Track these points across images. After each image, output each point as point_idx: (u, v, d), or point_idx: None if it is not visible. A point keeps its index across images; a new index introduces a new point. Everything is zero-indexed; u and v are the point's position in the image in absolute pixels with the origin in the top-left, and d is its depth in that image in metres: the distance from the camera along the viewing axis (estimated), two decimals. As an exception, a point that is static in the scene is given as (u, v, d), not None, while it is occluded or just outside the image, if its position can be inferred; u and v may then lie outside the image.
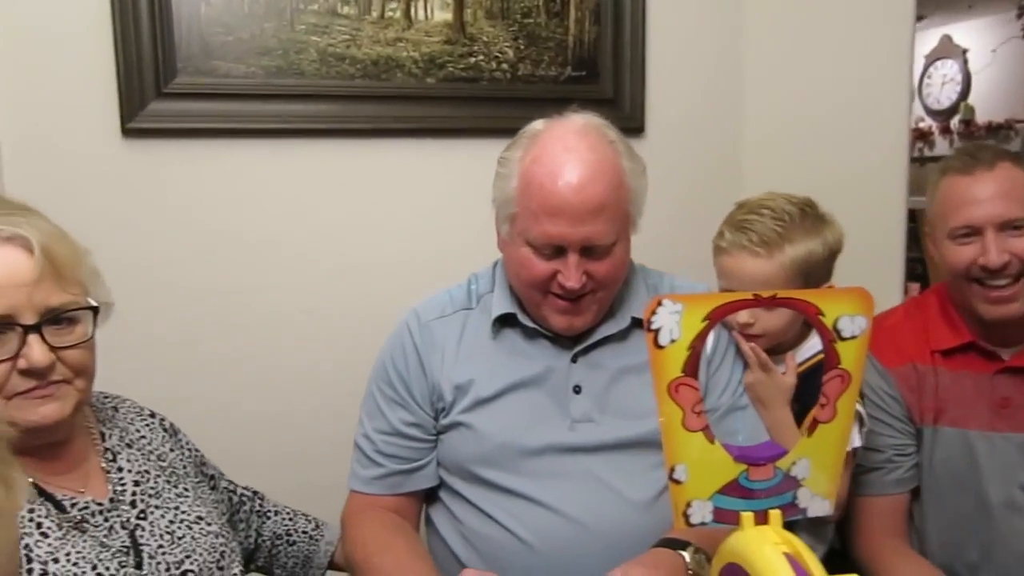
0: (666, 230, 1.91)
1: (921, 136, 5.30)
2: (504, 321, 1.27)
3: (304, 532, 1.36)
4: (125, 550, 1.00)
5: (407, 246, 1.87)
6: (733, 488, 0.95)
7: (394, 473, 1.27)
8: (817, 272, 1.34)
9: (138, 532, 1.03)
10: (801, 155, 2.15)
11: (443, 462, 1.27)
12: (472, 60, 1.90)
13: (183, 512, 1.09)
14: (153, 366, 1.64)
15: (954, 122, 5.32)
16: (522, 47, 1.94)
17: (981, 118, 5.15)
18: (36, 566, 0.90)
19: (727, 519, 0.95)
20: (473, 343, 1.27)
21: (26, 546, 0.91)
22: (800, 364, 1.38)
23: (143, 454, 1.12)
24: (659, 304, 0.87)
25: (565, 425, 1.22)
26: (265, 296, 1.77)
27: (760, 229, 1.32)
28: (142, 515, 1.05)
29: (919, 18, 2.31)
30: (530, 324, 1.26)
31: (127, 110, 1.64)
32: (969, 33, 5.18)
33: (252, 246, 1.75)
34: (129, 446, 1.12)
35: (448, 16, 1.86)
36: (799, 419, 1.36)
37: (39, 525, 0.94)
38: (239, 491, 1.32)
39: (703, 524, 0.96)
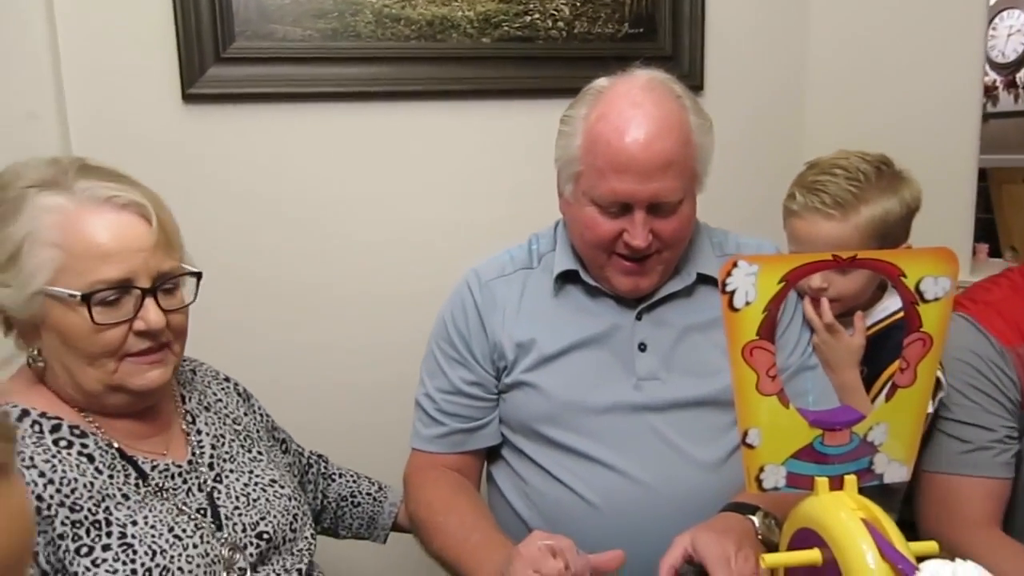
0: (726, 188, 1.86)
1: (985, 91, 5.09)
2: (566, 279, 1.26)
3: (368, 494, 1.39)
4: (203, 512, 1.02)
5: (465, 209, 1.87)
6: (807, 453, 0.93)
7: (456, 432, 1.27)
8: (895, 232, 1.29)
9: (215, 494, 1.05)
10: (866, 112, 2.07)
11: (507, 421, 1.27)
12: (528, 19, 1.86)
13: (257, 475, 1.11)
14: (212, 333, 1.66)
15: (1020, 75, 5.08)
16: (578, 4, 1.89)
17: (1050, 71, 4.92)
18: (115, 528, 0.93)
19: (801, 484, 0.94)
20: (535, 302, 1.26)
21: (106, 509, 0.94)
22: (871, 327, 1.34)
23: (219, 417, 1.14)
24: (735, 265, 0.85)
25: (631, 383, 1.20)
26: (325, 261, 1.78)
27: (833, 190, 1.28)
28: (218, 478, 1.07)
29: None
30: (592, 282, 1.25)
31: (187, 76, 1.65)
32: (1039, -19, 4.93)
33: (310, 210, 1.76)
34: (207, 409, 1.14)
35: (503, -26, 1.82)
36: (868, 383, 1.33)
37: (120, 489, 0.97)
38: (307, 454, 1.35)
39: (776, 489, 0.94)
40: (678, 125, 1.14)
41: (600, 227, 1.16)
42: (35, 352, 0.99)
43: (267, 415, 1.26)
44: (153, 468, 1.01)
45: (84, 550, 0.90)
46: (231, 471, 1.09)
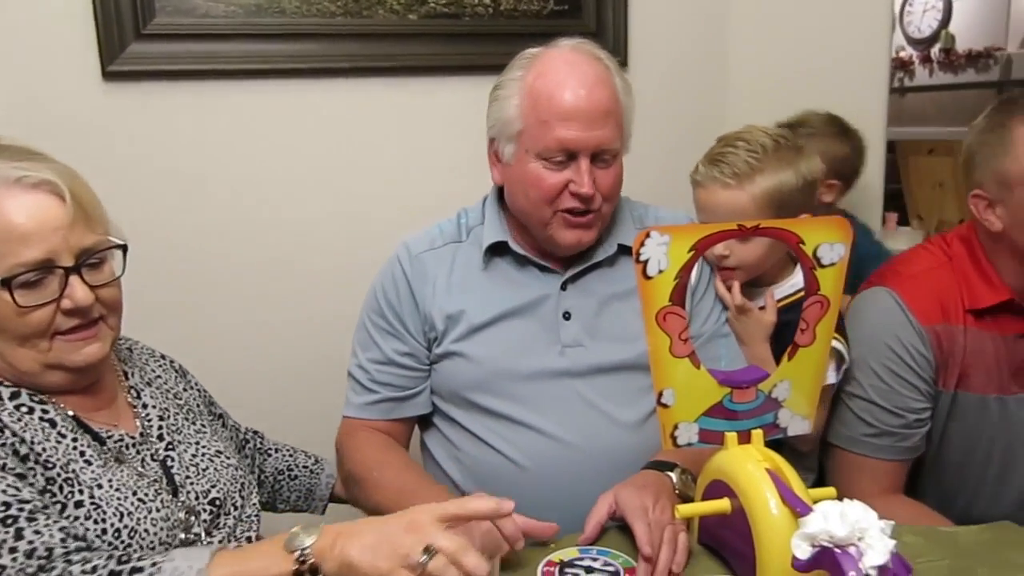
0: (649, 164, 1.92)
1: (902, 65, 5.29)
2: (494, 251, 1.30)
3: (305, 467, 1.41)
4: (159, 480, 1.04)
5: (391, 184, 1.88)
6: (718, 410, 1.00)
7: (388, 400, 1.31)
8: (792, 203, 1.34)
9: (168, 462, 1.08)
10: (784, 88, 2.16)
11: (438, 390, 1.32)
12: (454, -5, 1.88)
13: (204, 446, 1.13)
14: (139, 312, 1.65)
15: (935, 51, 5.30)
16: (503, -19, 1.92)
17: (961, 47, 5.14)
18: (85, 489, 0.95)
19: (712, 439, 1.01)
20: (464, 274, 1.30)
21: (72, 471, 0.95)
22: (779, 300, 1.41)
23: (161, 392, 1.16)
24: (647, 236, 0.91)
25: (556, 350, 1.25)
26: (251, 239, 1.78)
27: (732, 161, 1.33)
28: (170, 447, 1.09)
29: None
30: (521, 252, 1.29)
31: (107, 53, 1.62)
32: (951, -42, 5.14)
33: (235, 188, 1.75)
34: (149, 384, 1.16)
35: (428, -50, 1.84)
36: (778, 355, 1.40)
37: (82, 453, 0.98)
38: (243, 430, 1.37)
39: (689, 445, 1.01)
40: (609, 82, 1.22)
41: (545, 181, 1.21)
42: None
43: (204, 391, 1.28)
44: (108, 437, 1.03)
45: (58, 507, 0.92)
46: (180, 442, 1.11)
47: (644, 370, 1.20)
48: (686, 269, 0.93)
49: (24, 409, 0.97)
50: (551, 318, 1.27)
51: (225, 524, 1.08)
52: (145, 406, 1.11)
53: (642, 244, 0.91)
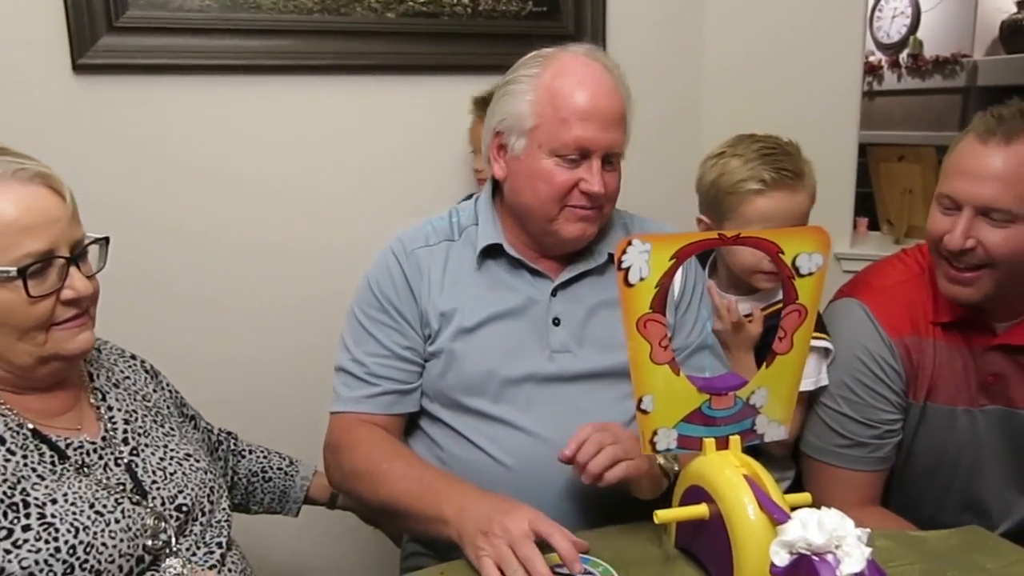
0: (625, 165, 1.94)
1: (871, 70, 5.37)
2: (487, 253, 1.31)
3: (279, 468, 1.40)
4: (122, 487, 1.03)
5: (366, 182, 1.88)
6: (696, 416, 1.01)
7: (388, 393, 1.27)
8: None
9: (133, 466, 1.06)
10: (758, 93, 2.19)
11: (425, 390, 1.31)
12: (433, -6, 1.88)
13: (172, 450, 1.12)
14: (110, 311, 1.63)
15: (903, 56, 5.40)
16: (482, -19, 1.92)
17: (929, 52, 5.24)
18: (34, 509, 0.93)
19: (690, 445, 1.02)
20: (457, 273, 1.29)
21: (23, 490, 0.93)
22: (764, 308, 1.44)
23: (129, 394, 1.14)
24: (629, 244, 0.92)
25: (544, 355, 1.26)
26: (224, 236, 1.77)
27: (791, 165, 1.38)
28: (134, 452, 1.08)
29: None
30: (515, 255, 1.30)
31: (78, 45, 1.60)
32: (920, -35, 5.24)
33: (207, 184, 1.74)
34: (116, 386, 1.14)
35: (407, -52, 1.83)
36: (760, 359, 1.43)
37: (35, 470, 0.96)
38: (216, 431, 1.35)
39: (668, 450, 1.02)
40: (620, 90, 1.26)
41: (557, 177, 1.23)
42: None
43: (176, 392, 1.26)
44: (67, 446, 1.01)
45: (3, 533, 0.90)
46: (146, 445, 1.09)
47: (628, 377, 1.22)
48: (667, 276, 0.94)
49: None
50: (541, 323, 1.28)
51: (192, 531, 1.07)
52: (110, 408, 1.10)
53: (624, 251, 0.92)
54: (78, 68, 1.60)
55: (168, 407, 1.20)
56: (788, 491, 1.48)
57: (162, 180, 1.70)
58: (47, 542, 0.91)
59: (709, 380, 1.02)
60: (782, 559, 0.84)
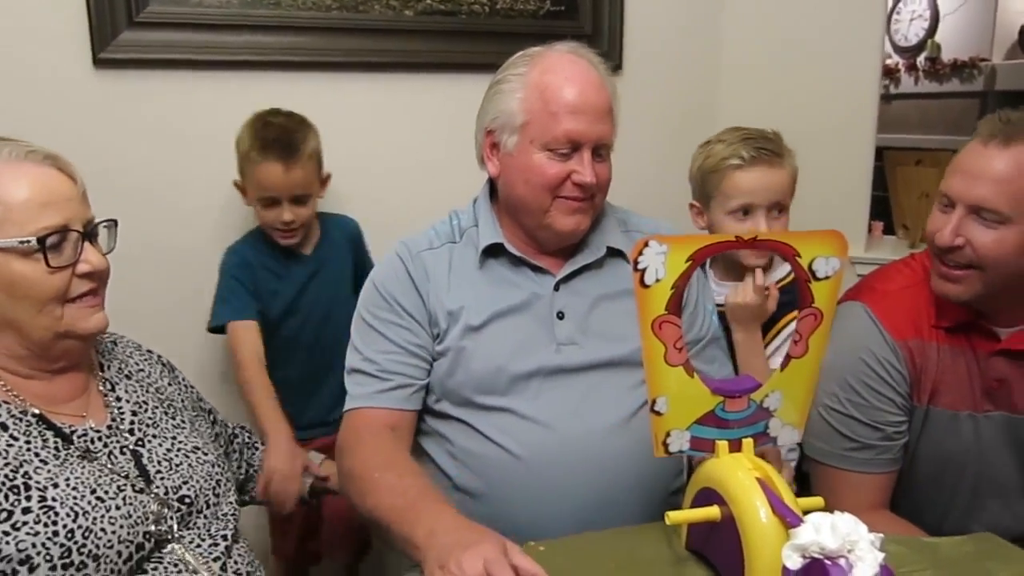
0: (643, 166, 1.94)
1: (887, 73, 5.33)
2: (488, 253, 1.33)
3: None
4: (125, 474, 1.04)
5: (382, 180, 1.88)
6: (709, 419, 1.01)
7: (401, 387, 1.28)
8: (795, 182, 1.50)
9: (139, 454, 1.07)
10: (775, 95, 2.17)
11: (435, 388, 1.31)
12: (451, -8, 1.88)
13: (180, 442, 1.13)
14: (122, 301, 1.64)
15: (920, 59, 5.36)
16: (500, -20, 1.92)
17: (947, 56, 5.20)
18: (35, 492, 0.94)
19: (703, 447, 1.02)
20: (461, 273, 1.31)
21: (24, 473, 0.94)
22: (777, 283, 1.48)
23: (142, 386, 1.16)
24: (646, 245, 0.91)
25: (551, 348, 1.28)
26: (237, 230, 1.77)
27: (770, 146, 1.46)
28: (140, 443, 1.09)
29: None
30: (516, 253, 1.32)
31: (98, 40, 1.61)
32: (939, -31, 5.19)
33: (224, 179, 1.73)
34: (128, 377, 1.15)
35: (426, -54, 1.83)
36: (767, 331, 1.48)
37: (37, 454, 0.97)
38: (230, 426, 1.36)
39: (681, 452, 1.02)
40: (607, 84, 1.29)
41: (549, 170, 1.25)
42: None
43: (192, 387, 1.27)
44: (72, 433, 1.03)
45: (3, 515, 0.91)
46: (153, 436, 1.10)
47: (632, 367, 1.24)
48: (683, 278, 0.93)
49: None
50: (546, 317, 1.29)
51: (196, 523, 1.07)
52: (119, 399, 1.11)
53: (640, 252, 0.91)
54: (99, 62, 1.61)
55: (182, 401, 1.21)
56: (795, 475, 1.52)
57: (181, 174, 1.71)
58: (46, 525, 0.93)
59: (723, 383, 1.02)
60: (794, 563, 0.83)
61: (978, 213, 1.22)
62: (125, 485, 1.01)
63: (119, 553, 0.96)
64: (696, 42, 2.18)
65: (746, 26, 2.21)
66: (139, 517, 1.00)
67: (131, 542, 0.98)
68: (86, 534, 0.94)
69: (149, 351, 1.23)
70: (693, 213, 1.57)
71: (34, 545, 0.91)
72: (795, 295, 1.39)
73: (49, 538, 0.92)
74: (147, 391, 1.15)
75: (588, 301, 1.31)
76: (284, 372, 1.67)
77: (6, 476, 0.93)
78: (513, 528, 1.20)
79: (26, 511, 0.92)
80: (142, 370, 1.18)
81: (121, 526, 0.97)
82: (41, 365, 1.04)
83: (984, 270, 1.23)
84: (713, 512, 0.96)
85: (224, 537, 1.09)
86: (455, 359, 1.27)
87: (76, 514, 0.94)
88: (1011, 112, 1.24)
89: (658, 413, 0.99)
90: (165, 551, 1.02)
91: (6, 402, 0.99)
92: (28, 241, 0.97)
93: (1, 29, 1.54)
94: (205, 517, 1.09)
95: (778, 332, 1.47)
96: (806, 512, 0.88)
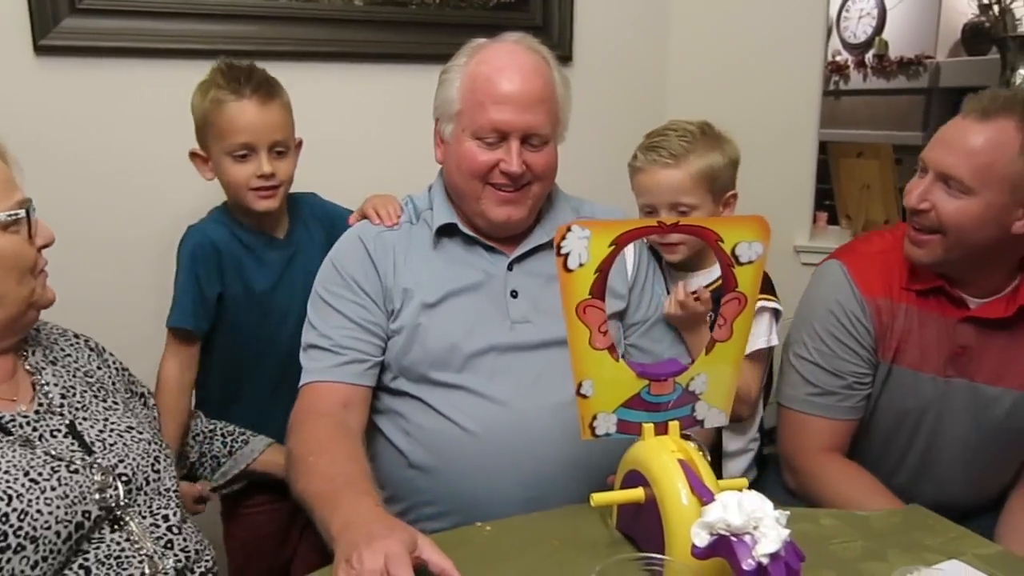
0: (591, 155, 1.91)
1: (837, 69, 5.35)
2: (443, 233, 1.32)
3: (228, 434, 1.42)
4: (59, 456, 1.00)
5: (331, 170, 1.83)
6: (636, 402, 0.99)
7: (355, 361, 1.26)
8: (721, 179, 1.46)
9: (79, 431, 1.04)
10: (722, 87, 2.16)
11: (391, 366, 1.30)
12: (400, -17, 1.83)
13: (113, 423, 1.09)
14: (66, 291, 1.58)
15: (869, 56, 5.39)
16: (451, -30, 1.88)
17: (894, 53, 5.23)
18: None
19: (630, 430, 1.00)
20: (417, 253, 1.31)
21: None
22: (707, 286, 1.44)
23: (68, 371, 1.12)
24: (568, 229, 0.89)
25: (505, 326, 1.27)
26: (182, 219, 1.70)
27: (667, 145, 1.44)
28: (71, 425, 1.05)
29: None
30: (469, 232, 1.32)
31: (39, 27, 1.54)
32: (887, -33, 5.22)
33: (169, 169, 1.66)
34: (54, 363, 1.12)
35: (375, -64, 1.79)
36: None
37: None
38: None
39: (608, 435, 1.00)
40: (545, 73, 1.28)
41: (478, 157, 1.25)
42: None
43: (124, 368, 1.23)
44: (10, 422, 0.99)
45: None
46: (84, 419, 1.07)
47: None
48: (607, 262, 0.91)
49: None
50: (500, 296, 1.29)
51: (137, 500, 1.04)
52: (46, 383, 1.07)
53: (563, 237, 0.89)
54: (39, 50, 1.55)
55: (113, 383, 1.18)
56: (756, 458, 1.54)
57: (123, 163, 1.65)
58: None
59: (648, 366, 1.00)
60: (702, 539, 0.82)
61: (946, 181, 1.24)
62: (59, 467, 0.98)
63: (57, 534, 0.93)
64: (645, 34, 2.16)
65: (695, 19, 2.19)
66: (76, 497, 0.96)
67: (69, 522, 0.94)
68: (21, 516, 0.91)
69: (76, 336, 1.19)
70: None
71: None
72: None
73: None
74: (74, 376, 1.12)
75: (541, 281, 1.30)
76: (261, 371, 1.48)
77: None
78: (464, 504, 1.21)
79: None
80: (68, 355, 1.15)
81: (58, 507, 0.94)
82: (5, 338, 1.05)
83: (946, 236, 1.26)
84: (637, 494, 0.95)
85: (166, 517, 1.06)
86: (410, 336, 1.26)
87: (9, 497, 0.91)
88: (1002, 90, 1.29)
89: (584, 396, 0.97)
90: (104, 531, 0.99)
91: None
92: (16, 214, 1.01)
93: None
94: (146, 494, 1.06)
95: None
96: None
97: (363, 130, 1.86)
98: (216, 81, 1.40)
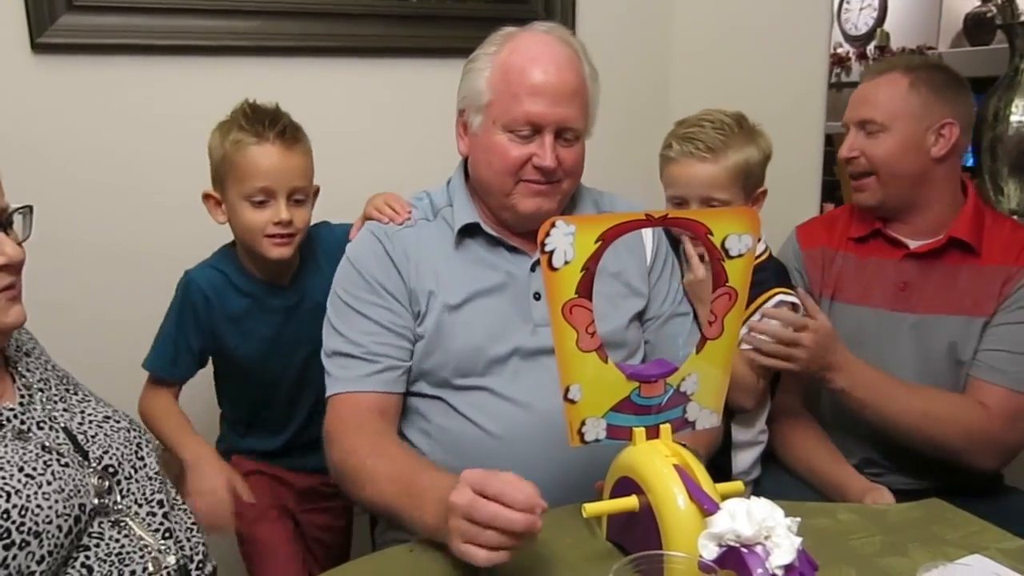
0: (593, 148, 1.82)
1: (839, 61, 5.18)
2: (465, 232, 1.23)
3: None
4: (48, 449, 0.93)
5: (333, 166, 1.75)
6: (626, 405, 0.90)
7: (389, 369, 1.18)
8: (755, 174, 1.40)
9: (68, 428, 0.98)
10: (726, 81, 2.06)
11: (411, 369, 1.21)
12: (400, -25, 1.75)
13: (89, 414, 1.03)
14: (59, 287, 1.52)
15: (870, 48, 5.24)
16: (452, -38, 1.79)
17: (896, 45, 5.08)
18: None
19: (620, 435, 0.92)
20: (437, 253, 1.22)
21: None
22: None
23: (39, 364, 1.05)
24: (552, 226, 0.81)
25: (528, 329, 1.20)
26: (180, 218, 1.63)
27: (704, 138, 1.37)
28: (52, 418, 0.99)
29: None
30: (493, 233, 1.23)
31: (36, 24, 1.47)
32: (890, -40, 5.06)
33: (168, 167, 1.60)
34: (27, 355, 1.05)
35: (375, -71, 1.70)
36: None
37: None
38: None
39: (597, 441, 0.92)
40: (578, 66, 1.19)
41: (510, 152, 1.16)
42: None
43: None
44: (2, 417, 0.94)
45: None
46: (64, 410, 1.01)
47: (611, 347, 1.14)
48: (593, 260, 0.83)
49: None
50: (523, 298, 1.21)
51: (129, 489, 0.98)
52: (23, 376, 1.00)
53: (547, 234, 0.81)
54: (37, 47, 1.48)
55: (68, 375, 1.10)
56: (764, 453, 1.46)
57: (120, 161, 1.57)
58: None
59: (638, 368, 0.92)
60: (711, 552, 0.74)
61: (863, 127, 1.41)
62: (51, 460, 0.91)
63: (59, 527, 0.87)
64: (648, 25, 2.06)
65: (698, 12, 2.08)
66: (71, 491, 0.90)
67: (68, 515, 0.89)
68: (22, 512, 0.85)
69: (26, 328, 1.10)
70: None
71: None
72: (769, 273, 1.37)
73: None
74: (45, 368, 1.05)
75: None
76: (277, 395, 1.41)
77: None
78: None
79: None
80: (35, 348, 1.08)
81: (56, 500, 0.88)
82: None
83: (879, 174, 1.40)
84: (631, 502, 0.87)
85: (160, 503, 1.00)
86: (433, 339, 1.18)
87: (8, 494, 0.85)
88: (902, 55, 1.42)
89: (572, 401, 0.89)
90: (104, 528, 0.93)
91: None
92: None
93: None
94: (137, 481, 1.00)
95: (753, 311, 1.38)
96: (725, 498, 0.78)
97: (364, 126, 1.77)
98: (238, 122, 1.31)
